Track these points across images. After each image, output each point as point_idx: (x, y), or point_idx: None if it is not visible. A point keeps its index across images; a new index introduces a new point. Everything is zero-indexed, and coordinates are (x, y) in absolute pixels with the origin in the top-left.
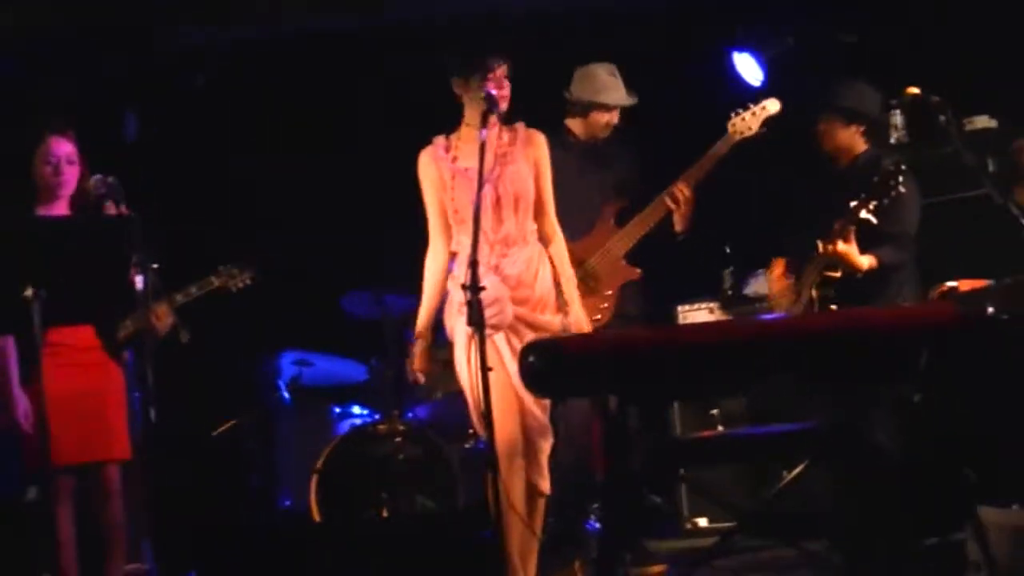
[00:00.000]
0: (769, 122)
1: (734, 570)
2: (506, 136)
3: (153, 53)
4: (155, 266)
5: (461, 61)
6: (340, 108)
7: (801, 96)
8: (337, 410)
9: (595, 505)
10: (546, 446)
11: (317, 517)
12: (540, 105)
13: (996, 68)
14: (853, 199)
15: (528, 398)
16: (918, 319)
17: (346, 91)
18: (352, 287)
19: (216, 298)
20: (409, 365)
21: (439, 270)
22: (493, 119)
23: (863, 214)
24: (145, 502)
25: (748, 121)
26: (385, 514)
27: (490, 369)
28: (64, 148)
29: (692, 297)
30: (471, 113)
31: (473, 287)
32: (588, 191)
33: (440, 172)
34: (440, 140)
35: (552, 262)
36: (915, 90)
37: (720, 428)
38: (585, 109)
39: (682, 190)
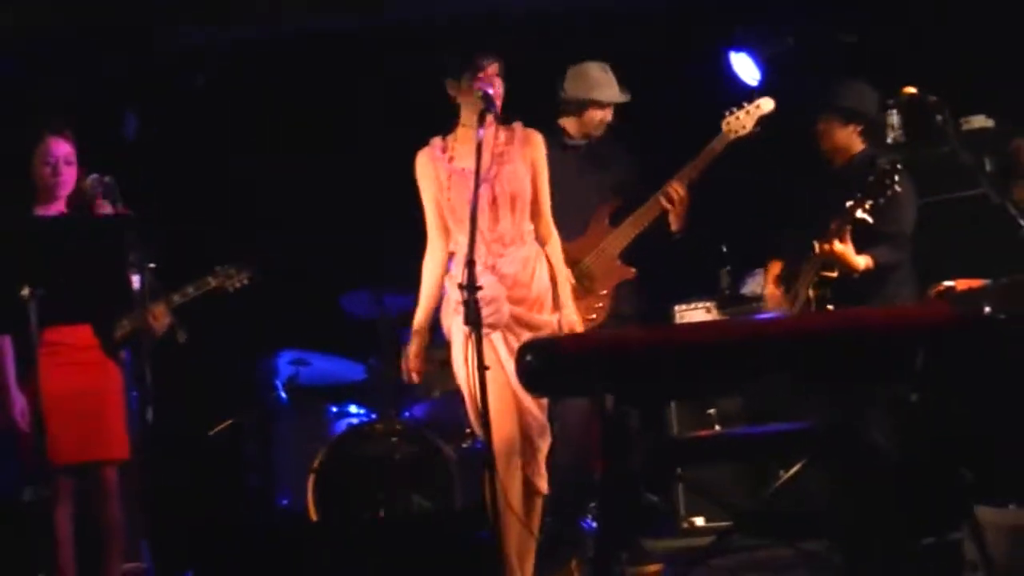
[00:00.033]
0: (764, 121)
1: (731, 569)
2: (503, 136)
3: (153, 53)
4: (152, 266)
5: (452, 62)
6: (340, 108)
7: (800, 96)
8: (334, 409)
9: (592, 504)
10: (544, 446)
11: (314, 516)
12: (541, 105)
13: (993, 68)
14: (849, 199)
15: (526, 398)
16: (914, 319)
17: (346, 91)
18: (351, 287)
19: (213, 298)
20: (404, 364)
21: (437, 270)
22: (490, 118)
23: (859, 214)
24: (142, 502)
25: (742, 120)
26: (382, 514)
27: (487, 368)
28: (62, 149)
29: (689, 297)
30: (467, 113)
31: (470, 286)
32: (583, 191)
33: (437, 172)
34: (437, 141)
35: (549, 261)
36: (912, 90)
37: (717, 427)
38: (579, 107)
39: (677, 189)
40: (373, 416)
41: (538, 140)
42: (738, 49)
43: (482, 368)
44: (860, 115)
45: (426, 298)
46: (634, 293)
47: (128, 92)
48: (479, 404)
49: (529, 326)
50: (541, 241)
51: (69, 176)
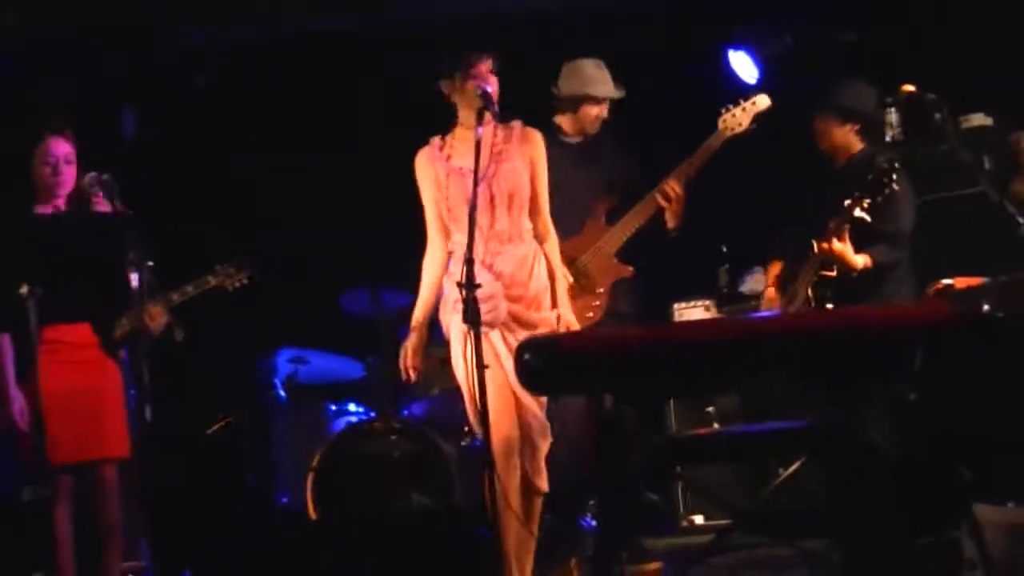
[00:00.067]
0: (760, 118)
1: (730, 568)
2: (501, 134)
3: (153, 53)
4: (150, 264)
5: (444, 61)
6: (340, 108)
7: (799, 95)
8: (333, 408)
9: (591, 503)
10: (545, 445)
11: (313, 515)
12: (541, 105)
13: (992, 66)
14: (848, 198)
15: (526, 396)
16: (913, 317)
17: (346, 91)
18: (350, 285)
19: (212, 297)
20: (402, 360)
21: (437, 268)
22: (488, 116)
23: (857, 212)
24: (142, 500)
25: (739, 117)
26: (381, 512)
27: (486, 366)
28: (62, 148)
29: (687, 295)
30: (464, 113)
31: (468, 284)
32: (579, 188)
33: (435, 171)
34: (436, 140)
35: (547, 260)
36: (911, 88)
37: (716, 426)
38: (575, 103)
39: (673, 187)
40: (372, 414)
41: (537, 138)
42: (737, 47)
43: (481, 366)
44: (857, 114)
45: (425, 296)
46: (631, 291)
47: (128, 92)
48: (478, 402)
49: (527, 324)
50: (539, 239)
51: (69, 176)
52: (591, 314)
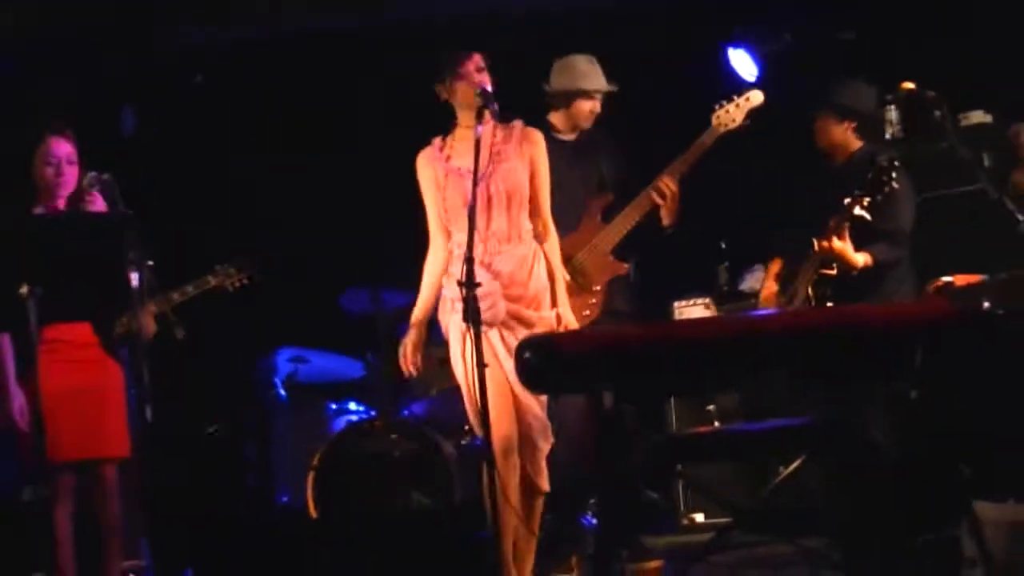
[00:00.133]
0: (753, 114)
1: (730, 566)
2: (500, 134)
3: (153, 53)
4: (150, 263)
5: (437, 64)
6: (340, 108)
7: (798, 93)
8: (333, 407)
9: (592, 501)
10: (545, 444)
11: (313, 514)
12: (541, 105)
13: (991, 64)
14: (847, 196)
15: (526, 396)
16: (913, 315)
17: (346, 91)
18: (350, 284)
19: (212, 296)
20: (401, 356)
21: (438, 268)
22: (488, 115)
23: (857, 211)
24: (142, 499)
25: (732, 113)
26: (382, 511)
27: (486, 365)
28: (64, 149)
29: (685, 293)
30: (462, 113)
31: (468, 283)
32: (574, 186)
33: (435, 172)
34: (436, 141)
35: (546, 259)
36: (910, 85)
37: (716, 424)
38: (567, 99)
39: (668, 184)
40: (372, 413)
41: (538, 138)
42: (736, 45)
43: (481, 365)
44: (855, 112)
45: (425, 294)
46: (628, 289)
47: (128, 92)
48: (478, 401)
49: (526, 323)
50: (539, 239)
51: (71, 176)
52: (588, 312)
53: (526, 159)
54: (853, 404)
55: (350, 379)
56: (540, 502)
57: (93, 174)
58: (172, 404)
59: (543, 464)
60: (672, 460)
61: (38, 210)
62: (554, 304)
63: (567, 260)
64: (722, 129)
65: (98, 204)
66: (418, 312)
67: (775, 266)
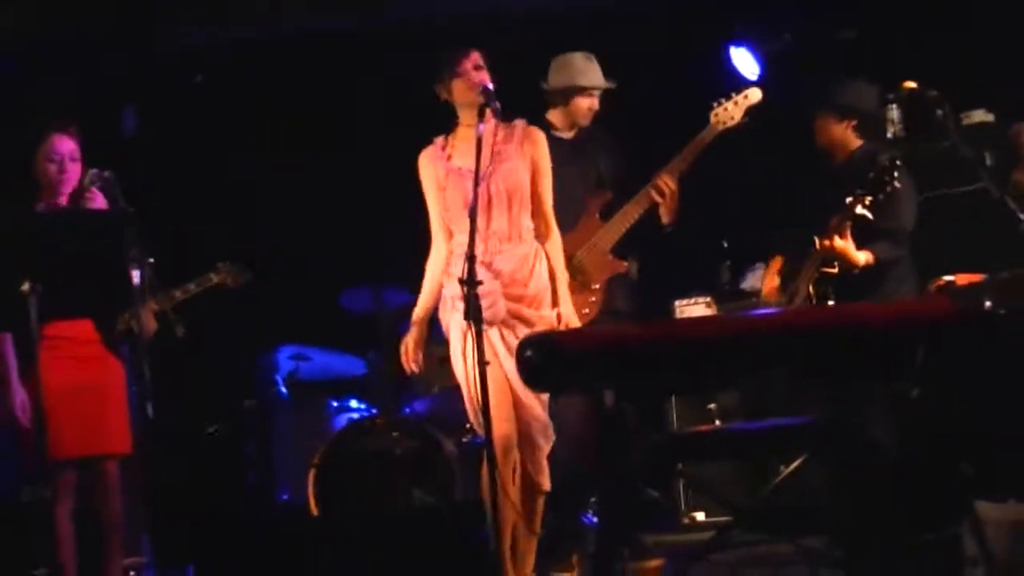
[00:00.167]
0: (752, 111)
1: (731, 565)
2: (502, 133)
3: (153, 53)
4: (151, 260)
5: (435, 65)
6: (340, 108)
7: (799, 93)
8: (335, 404)
9: (593, 500)
10: (546, 443)
11: (315, 511)
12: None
13: (993, 63)
14: (849, 195)
15: (527, 395)
16: (914, 314)
17: (346, 91)
18: (351, 282)
19: (214, 294)
20: (403, 353)
21: (439, 266)
22: (489, 114)
23: (859, 210)
24: (143, 496)
25: (731, 111)
26: (383, 509)
27: (488, 363)
28: (67, 146)
29: (686, 291)
30: (463, 112)
31: (470, 281)
32: (572, 184)
33: (436, 171)
34: (438, 140)
35: (548, 259)
36: (912, 84)
37: (717, 423)
38: (565, 96)
39: (667, 182)
40: (374, 411)
41: (539, 137)
42: (738, 44)
43: (482, 363)
44: (854, 111)
45: (427, 292)
46: (627, 288)
47: (128, 92)
48: (478, 399)
49: (526, 322)
50: (541, 239)
51: (74, 173)
52: (587, 311)
53: (527, 159)
54: (854, 403)
55: (351, 377)
56: (541, 501)
57: (94, 171)
58: (173, 401)
59: (544, 463)
60: (673, 459)
61: (40, 207)
62: (556, 303)
63: (566, 259)
64: (720, 127)
65: (98, 201)
66: (419, 310)
67: (776, 262)
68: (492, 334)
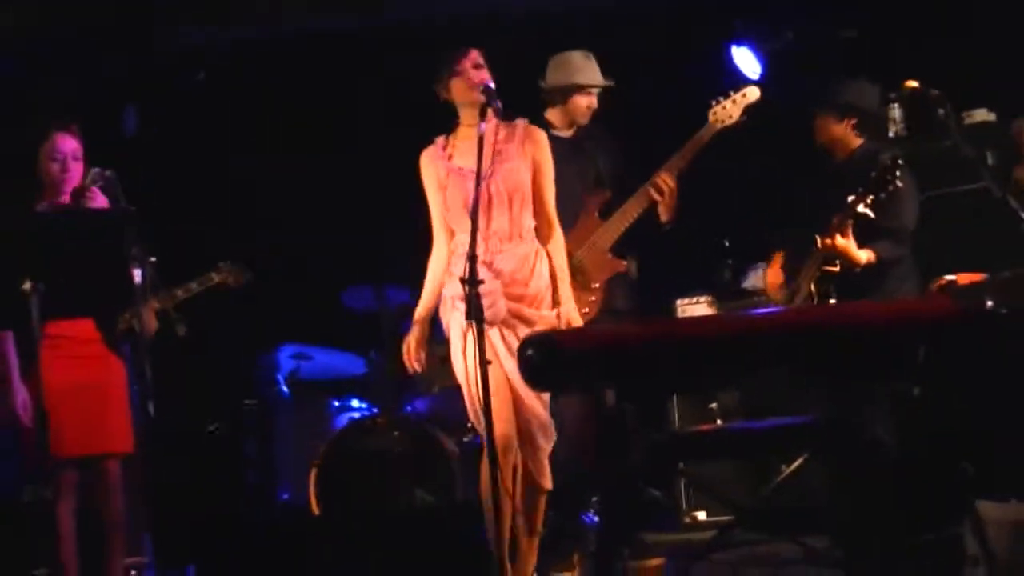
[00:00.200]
0: (750, 110)
1: (732, 564)
2: (503, 133)
3: (153, 53)
4: (152, 260)
5: (435, 65)
6: (340, 108)
7: (800, 91)
8: (336, 404)
9: (594, 499)
10: (547, 443)
11: (316, 511)
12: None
13: (995, 62)
14: (851, 194)
15: (528, 394)
16: (916, 313)
17: (346, 91)
18: (352, 282)
19: (215, 293)
20: (404, 353)
21: (441, 266)
22: (491, 113)
23: (861, 208)
24: (145, 496)
25: (729, 109)
26: (384, 508)
27: (489, 362)
28: (70, 144)
29: (686, 291)
30: (464, 112)
31: (471, 281)
32: (571, 183)
33: (437, 171)
34: (440, 140)
35: (549, 258)
36: (914, 84)
37: (719, 422)
38: (564, 95)
39: (666, 180)
40: (375, 410)
41: (540, 137)
42: (739, 43)
43: (484, 363)
44: (854, 109)
45: (429, 291)
46: (627, 287)
47: (128, 92)
48: (479, 398)
49: (527, 322)
50: (544, 238)
51: (76, 172)
52: (587, 310)
53: (528, 158)
54: (854, 403)
55: (352, 376)
56: (543, 500)
57: (96, 170)
58: (174, 400)
59: (545, 462)
60: (674, 458)
61: (42, 206)
62: (557, 303)
63: (567, 258)
64: (719, 125)
65: (99, 200)
66: (421, 310)
67: (778, 258)
68: (492, 334)
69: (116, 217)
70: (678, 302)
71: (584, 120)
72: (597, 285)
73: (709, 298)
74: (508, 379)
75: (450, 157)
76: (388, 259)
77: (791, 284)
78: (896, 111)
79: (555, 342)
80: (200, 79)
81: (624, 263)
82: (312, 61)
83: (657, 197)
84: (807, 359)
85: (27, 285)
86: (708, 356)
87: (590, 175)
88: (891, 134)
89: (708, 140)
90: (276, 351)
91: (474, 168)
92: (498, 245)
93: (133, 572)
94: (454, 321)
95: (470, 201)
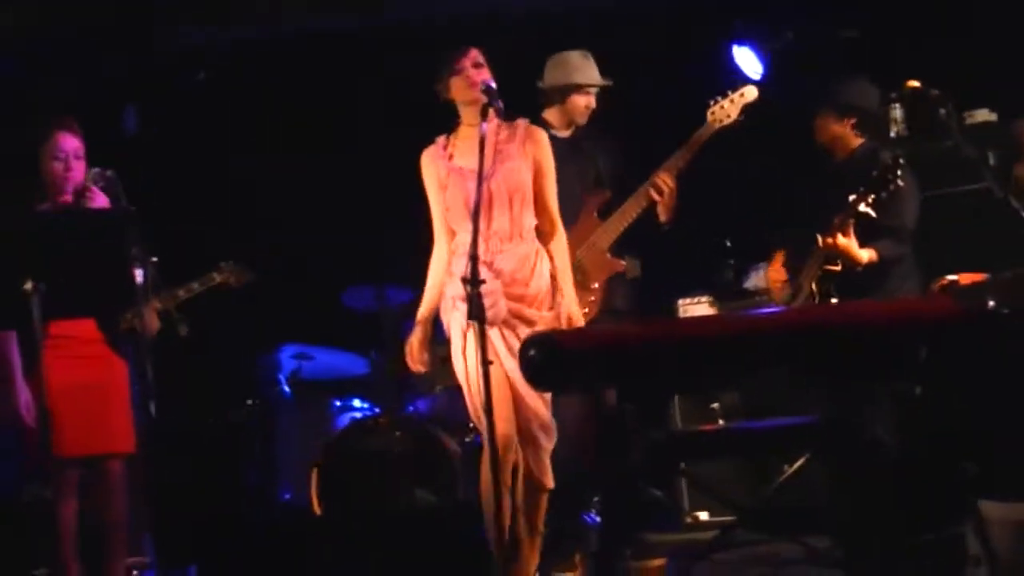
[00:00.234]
0: (748, 109)
1: (734, 564)
2: (504, 132)
3: (153, 53)
4: (154, 260)
5: (435, 65)
6: (340, 108)
7: (800, 91)
8: (337, 403)
9: (596, 499)
10: (548, 442)
11: (317, 511)
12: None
13: (997, 62)
14: (851, 193)
15: (529, 394)
16: (918, 313)
17: (346, 91)
18: (352, 282)
19: (217, 293)
20: (407, 354)
21: (442, 266)
22: (492, 113)
23: (862, 208)
24: (146, 496)
25: (727, 109)
26: (385, 508)
27: (491, 362)
28: (72, 143)
29: (692, 291)
30: (465, 111)
31: (473, 281)
32: (569, 183)
33: (438, 170)
34: (440, 139)
35: (551, 257)
36: (915, 84)
37: (721, 422)
38: (562, 94)
39: (665, 180)
40: (376, 410)
41: (541, 137)
42: (741, 43)
43: (486, 363)
44: (854, 109)
45: (430, 292)
46: (626, 286)
47: (128, 92)
48: (480, 398)
49: (528, 322)
50: (547, 237)
51: (79, 171)
52: (586, 310)
53: (529, 158)
54: (854, 403)
55: (354, 376)
56: (544, 499)
57: (96, 170)
58: (176, 400)
59: (547, 461)
60: (674, 458)
61: (44, 205)
62: (559, 302)
63: None
64: (717, 125)
65: (99, 200)
66: (423, 310)
67: (779, 257)
68: (492, 334)
69: (117, 217)
70: (680, 302)
71: (582, 120)
72: (596, 285)
73: (710, 298)
74: (508, 378)
75: (451, 157)
76: (388, 259)
77: (792, 283)
78: (897, 111)
79: (557, 342)
80: (200, 79)
81: (623, 263)
82: (312, 61)
83: (657, 197)
84: (809, 359)
85: (28, 285)
86: (709, 356)
87: (589, 175)
88: (892, 134)
89: (706, 140)
90: (278, 351)
91: (475, 167)
92: (498, 245)
93: (135, 572)
94: (454, 321)
95: (471, 200)
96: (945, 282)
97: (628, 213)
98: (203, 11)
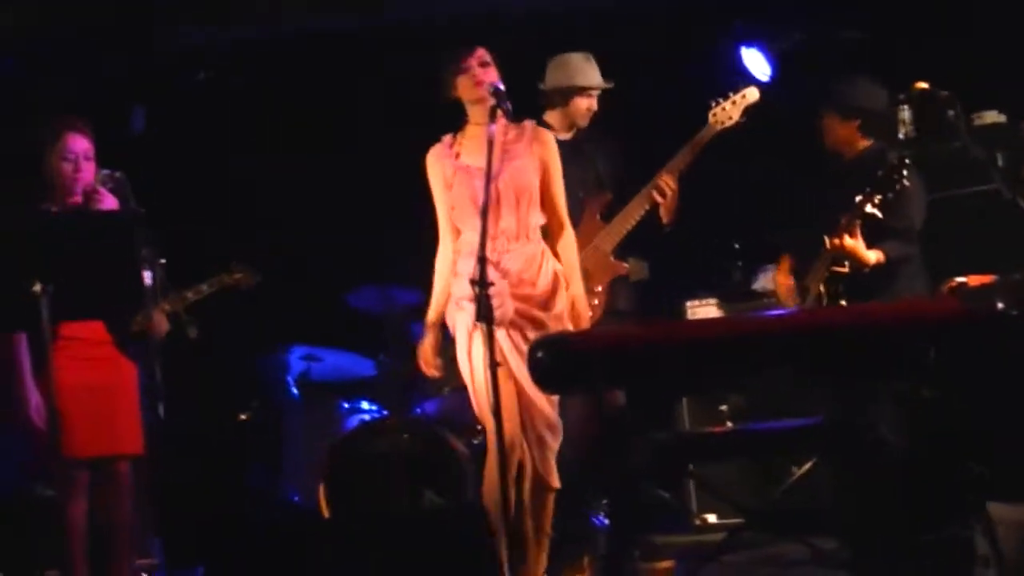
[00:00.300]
0: (750, 111)
1: (742, 566)
2: (511, 133)
3: (153, 53)
4: (162, 262)
5: (441, 64)
6: (340, 108)
7: (804, 92)
8: (346, 405)
9: (604, 501)
10: (555, 442)
11: (325, 512)
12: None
13: (1005, 64)
14: (858, 194)
15: (536, 393)
16: (926, 315)
17: (346, 91)
18: (357, 283)
19: (225, 295)
20: (420, 358)
21: (448, 266)
22: (500, 113)
23: (869, 209)
24: (154, 497)
25: (729, 110)
26: (393, 510)
27: (499, 364)
28: (81, 144)
29: (695, 293)
30: (473, 110)
31: (481, 282)
32: (571, 185)
33: (444, 169)
34: (447, 138)
35: (559, 257)
36: (923, 85)
37: (728, 423)
38: (564, 96)
39: (668, 182)
40: (385, 412)
41: (548, 138)
42: (749, 44)
43: (494, 364)
44: (859, 110)
45: (438, 294)
46: (629, 288)
47: (128, 92)
48: (489, 398)
49: (534, 323)
50: (555, 236)
51: (88, 172)
52: (590, 313)
53: (536, 158)
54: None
55: (362, 378)
56: (551, 499)
57: (106, 172)
58: (184, 402)
59: (552, 461)
60: (682, 460)
61: (53, 207)
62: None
63: None
64: (719, 126)
65: (107, 202)
66: (432, 313)
67: (786, 262)
68: (499, 334)
69: (126, 219)
70: (687, 304)
71: (584, 122)
72: (600, 288)
73: (719, 300)
74: (515, 378)
75: (457, 155)
76: (391, 260)
77: (800, 286)
78: (905, 112)
79: (565, 344)
80: (201, 79)
81: (626, 265)
82: (312, 61)
83: (659, 199)
84: (817, 361)
85: (37, 287)
86: (717, 358)
87: (590, 177)
88: (900, 135)
89: (708, 141)
90: (286, 352)
91: (481, 166)
92: (505, 244)
93: (143, 574)
94: (460, 321)
95: (477, 198)
96: (954, 284)
97: (631, 215)
98: (203, 11)
